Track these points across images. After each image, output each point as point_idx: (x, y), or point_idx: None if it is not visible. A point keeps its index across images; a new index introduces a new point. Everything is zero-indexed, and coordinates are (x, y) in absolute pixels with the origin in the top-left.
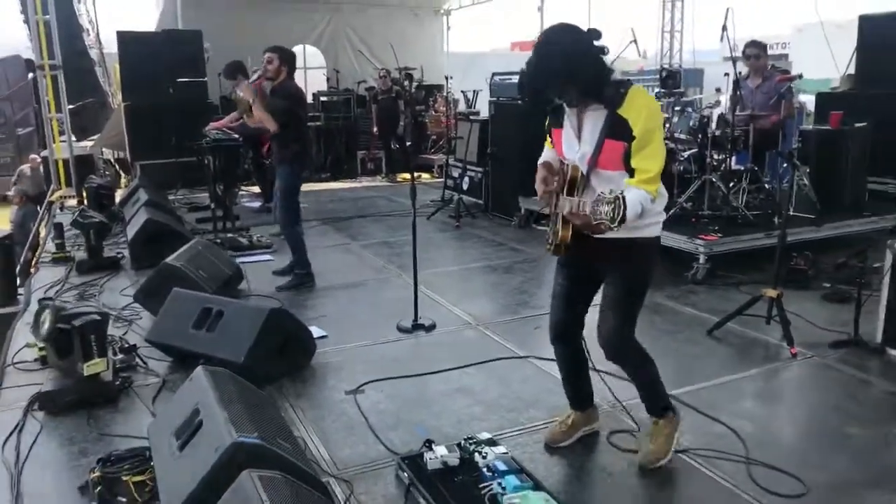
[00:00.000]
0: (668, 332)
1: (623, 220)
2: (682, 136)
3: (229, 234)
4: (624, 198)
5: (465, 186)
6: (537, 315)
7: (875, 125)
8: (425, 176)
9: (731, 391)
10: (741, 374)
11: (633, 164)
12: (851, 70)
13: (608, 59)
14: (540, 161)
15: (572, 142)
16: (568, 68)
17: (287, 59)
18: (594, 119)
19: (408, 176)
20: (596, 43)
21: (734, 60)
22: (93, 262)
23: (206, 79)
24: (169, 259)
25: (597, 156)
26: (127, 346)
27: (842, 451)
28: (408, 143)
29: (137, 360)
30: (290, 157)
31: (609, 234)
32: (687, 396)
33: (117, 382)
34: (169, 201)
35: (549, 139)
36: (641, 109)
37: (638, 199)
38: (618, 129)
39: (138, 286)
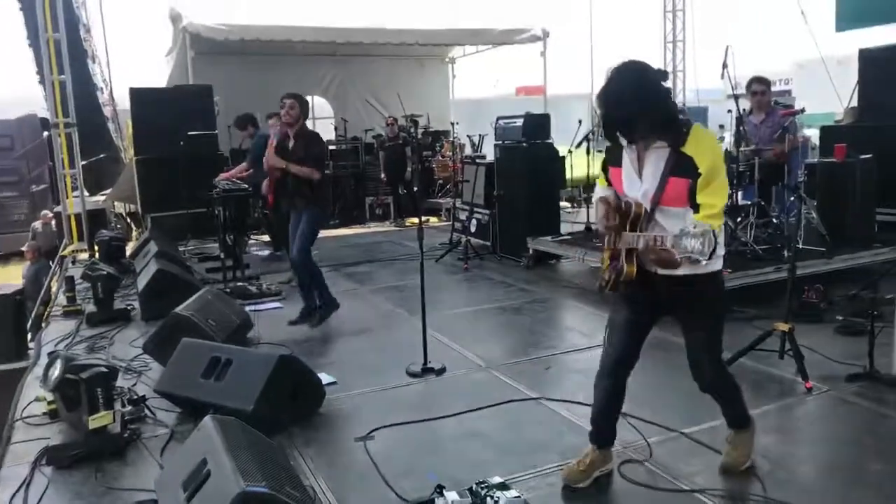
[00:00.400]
0: (680, 369)
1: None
2: None
3: (239, 283)
4: (714, 231)
5: (472, 229)
6: (548, 356)
7: (880, 156)
8: (433, 220)
9: None
10: (756, 410)
11: (699, 199)
12: (854, 103)
13: None
14: (597, 197)
15: (633, 179)
16: (644, 101)
17: (304, 106)
18: (656, 156)
19: (416, 220)
20: (663, 83)
21: (736, 97)
22: (103, 315)
23: (216, 131)
24: (178, 309)
25: (660, 193)
26: (136, 397)
27: (862, 487)
28: (415, 188)
29: (146, 411)
30: (324, 199)
31: (675, 271)
32: (701, 434)
33: (125, 435)
34: (179, 252)
35: (602, 177)
36: (706, 148)
37: None
38: (682, 167)
39: (148, 337)
